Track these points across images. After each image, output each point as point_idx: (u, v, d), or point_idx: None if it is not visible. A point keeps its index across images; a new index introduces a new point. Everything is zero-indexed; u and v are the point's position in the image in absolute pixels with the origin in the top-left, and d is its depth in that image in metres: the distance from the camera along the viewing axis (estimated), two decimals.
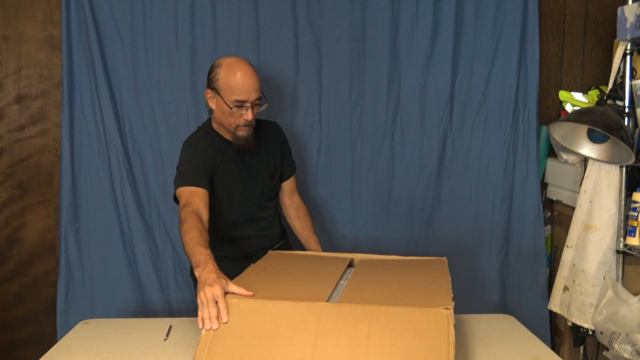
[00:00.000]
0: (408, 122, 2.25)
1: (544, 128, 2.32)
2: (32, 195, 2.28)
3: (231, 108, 1.66)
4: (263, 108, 1.74)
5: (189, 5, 2.14)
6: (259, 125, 1.83)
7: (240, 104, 1.65)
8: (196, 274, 1.29)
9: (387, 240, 2.29)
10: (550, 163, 2.36)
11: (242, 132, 1.70)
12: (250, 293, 1.23)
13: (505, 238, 2.30)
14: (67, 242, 2.16)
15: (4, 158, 2.26)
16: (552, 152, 2.37)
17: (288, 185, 1.93)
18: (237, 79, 1.64)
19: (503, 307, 2.29)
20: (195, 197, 1.58)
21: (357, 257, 1.66)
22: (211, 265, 1.29)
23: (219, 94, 1.68)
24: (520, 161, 2.28)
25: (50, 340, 2.14)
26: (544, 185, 2.38)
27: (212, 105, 1.73)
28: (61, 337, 1.71)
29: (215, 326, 1.16)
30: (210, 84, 1.70)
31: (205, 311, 1.18)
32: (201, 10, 2.14)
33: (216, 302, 1.20)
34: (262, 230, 1.83)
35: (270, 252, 1.66)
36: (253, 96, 1.66)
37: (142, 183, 2.20)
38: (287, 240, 1.97)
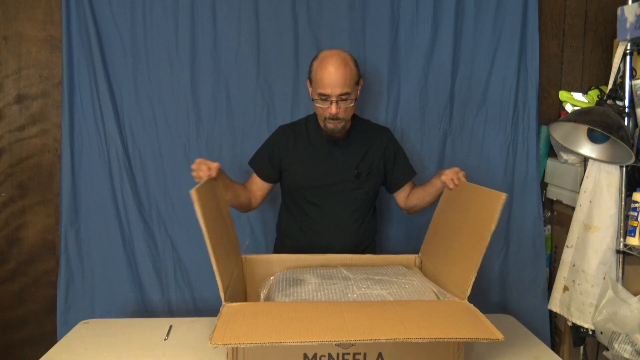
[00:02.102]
0: (408, 122, 2.25)
1: (544, 128, 2.32)
2: (32, 195, 2.28)
3: (314, 100, 1.75)
4: (352, 104, 1.76)
5: (189, 5, 2.14)
6: (368, 127, 1.92)
7: (324, 98, 1.72)
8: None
9: (387, 240, 2.29)
10: (550, 163, 2.36)
11: (330, 125, 1.77)
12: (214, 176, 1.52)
13: (505, 238, 2.30)
14: (67, 242, 2.16)
15: (4, 158, 2.26)
16: (552, 152, 2.37)
17: (404, 191, 1.94)
18: (323, 72, 1.71)
19: (503, 307, 2.29)
20: (249, 182, 1.90)
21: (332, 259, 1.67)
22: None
23: (311, 85, 1.77)
24: (520, 161, 2.28)
25: (50, 340, 2.14)
26: (544, 185, 2.38)
27: (311, 95, 1.81)
28: (61, 337, 1.72)
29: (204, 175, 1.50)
30: (308, 75, 1.80)
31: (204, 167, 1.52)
32: (201, 10, 2.15)
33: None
34: (336, 232, 1.84)
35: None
36: (337, 91, 1.70)
37: (142, 183, 2.20)
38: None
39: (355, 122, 1.89)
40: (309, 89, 1.83)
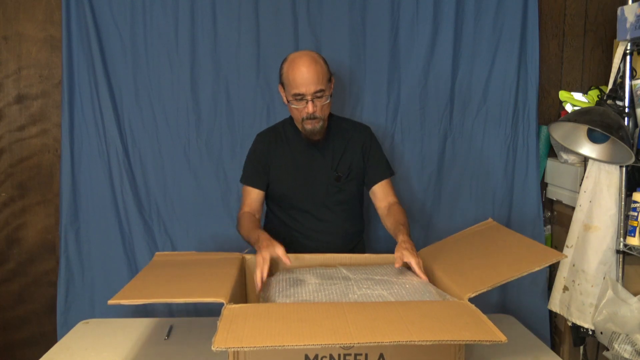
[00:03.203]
0: (408, 122, 2.25)
1: (544, 128, 2.32)
2: (32, 195, 2.28)
3: (289, 101, 1.73)
4: (327, 101, 1.75)
5: (189, 5, 2.14)
6: (346, 126, 1.89)
7: (299, 97, 1.70)
8: (255, 249, 1.54)
9: (386, 240, 2.28)
10: (550, 163, 2.36)
11: (308, 126, 1.75)
12: (289, 262, 1.46)
13: None
14: (67, 242, 2.16)
15: (4, 158, 2.26)
16: (552, 152, 2.37)
17: (379, 190, 1.86)
18: (294, 73, 1.69)
19: (503, 307, 2.29)
20: (248, 199, 1.84)
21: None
22: (262, 237, 1.54)
23: (284, 88, 1.75)
24: (520, 161, 2.28)
25: (50, 340, 2.14)
26: (544, 185, 2.38)
27: (284, 100, 1.80)
28: (61, 337, 1.71)
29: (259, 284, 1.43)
30: (279, 79, 1.78)
31: (257, 271, 1.43)
32: (201, 11, 2.15)
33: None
34: (324, 235, 1.83)
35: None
36: (312, 89, 1.69)
37: (142, 183, 2.20)
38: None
39: (332, 121, 1.87)
40: (282, 94, 1.81)
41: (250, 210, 1.82)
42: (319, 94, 1.70)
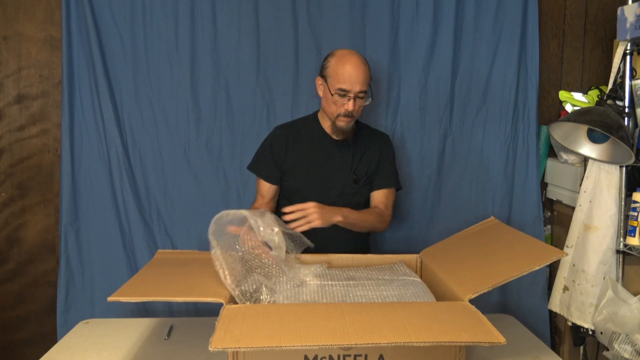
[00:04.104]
0: (408, 122, 2.25)
1: (544, 128, 2.32)
2: (32, 195, 2.28)
3: (333, 95, 1.75)
4: (367, 102, 1.79)
5: (189, 5, 2.14)
6: (368, 131, 1.93)
7: (343, 93, 1.74)
8: None
9: (386, 240, 2.29)
10: (550, 163, 2.36)
11: (342, 123, 1.78)
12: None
13: None
14: (67, 242, 2.16)
15: (4, 158, 2.26)
16: (552, 152, 2.37)
17: (376, 196, 1.89)
18: (344, 68, 1.73)
19: (503, 307, 2.29)
20: (262, 189, 1.86)
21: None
22: None
23: (326, 81, 1.78)
24: (520, 161, 2.28)
25: (50, 340, 2.14)
26: (544, 185, 2.38)
27: (320, 93, 1.83)
28: (61, 337, 1.72)
29: None
30: (321, 71, 1.81)
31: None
32: (201, 10, 2.15)
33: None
34: (330, 235, 1.80)
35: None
36: (357, 87, 1.73)
37: (142, 183, 2.20)
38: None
39: (354, 125, 1.89)
40: (320, 85, 1.83)
41: (263, 202, 1.85)
42: (361, 95, 1.75)
